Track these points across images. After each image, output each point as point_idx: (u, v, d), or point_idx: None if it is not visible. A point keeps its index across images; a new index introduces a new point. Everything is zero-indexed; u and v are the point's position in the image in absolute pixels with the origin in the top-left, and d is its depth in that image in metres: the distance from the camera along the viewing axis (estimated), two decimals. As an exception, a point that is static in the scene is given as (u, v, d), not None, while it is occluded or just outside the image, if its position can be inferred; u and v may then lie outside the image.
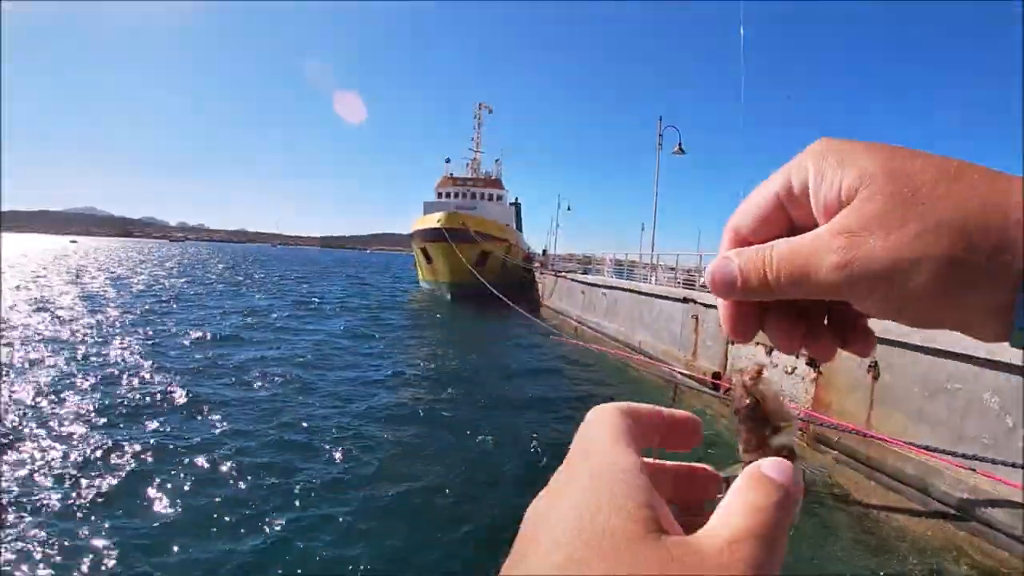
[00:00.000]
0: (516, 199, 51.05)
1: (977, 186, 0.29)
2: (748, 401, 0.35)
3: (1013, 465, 4.88)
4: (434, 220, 31.74)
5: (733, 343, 11.00)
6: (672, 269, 19.72)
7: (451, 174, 46.53)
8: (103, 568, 5.16)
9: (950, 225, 0.29)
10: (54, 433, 8.16)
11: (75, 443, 7.84)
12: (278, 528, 5.91)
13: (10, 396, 9.72)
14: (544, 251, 48.87)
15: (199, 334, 17.13)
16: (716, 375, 11.74)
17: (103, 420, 8.80)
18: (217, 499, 6.49)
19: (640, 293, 16.78)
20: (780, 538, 0.29)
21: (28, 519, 5.81)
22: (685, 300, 13.72)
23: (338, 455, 7.92)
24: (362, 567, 5.36)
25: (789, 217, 0.36)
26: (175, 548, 5.46)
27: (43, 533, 5.57)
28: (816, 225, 0.34)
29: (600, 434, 0.33)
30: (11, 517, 5.81)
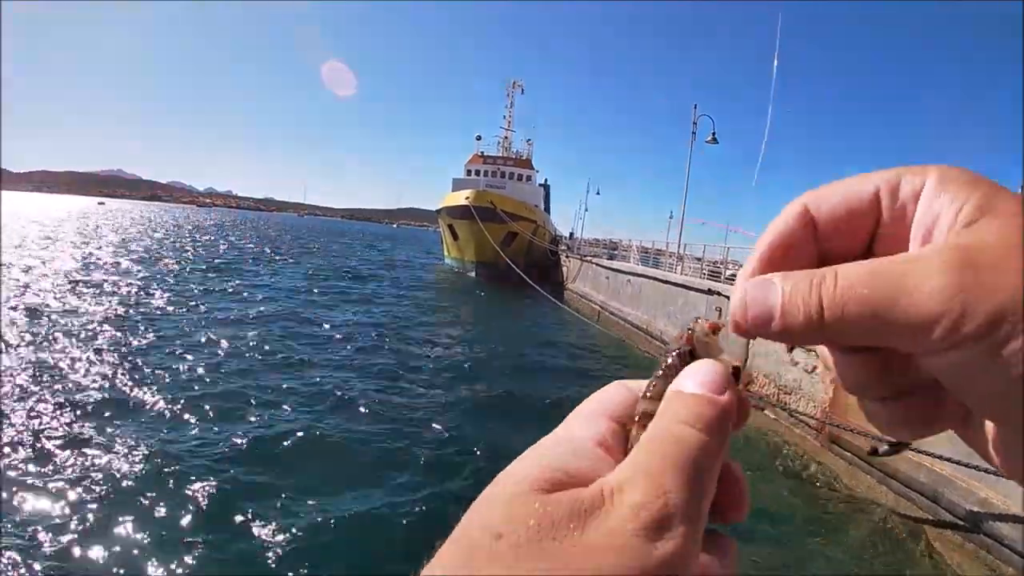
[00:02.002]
0: (545, 180, 50.84)
1: None
2: (683, 349, 0.32)
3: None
4: (462, 197, 31.87)
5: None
6: (698, 260, 19.61)
7: (481, 152, 46.35)
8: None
9: None
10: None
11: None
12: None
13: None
14: (571, 234, 48.73)
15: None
16: (736, 369, 11.72)
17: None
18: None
19: (665, 282, 16.78)
20: (690, 475, 0.25)
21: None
22: (710, 291, 13.69)
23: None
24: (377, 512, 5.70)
25: (869, 228, 0.31)
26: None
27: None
28: (898, 251, 0.28)
29: (582, 406, 0.33)
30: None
